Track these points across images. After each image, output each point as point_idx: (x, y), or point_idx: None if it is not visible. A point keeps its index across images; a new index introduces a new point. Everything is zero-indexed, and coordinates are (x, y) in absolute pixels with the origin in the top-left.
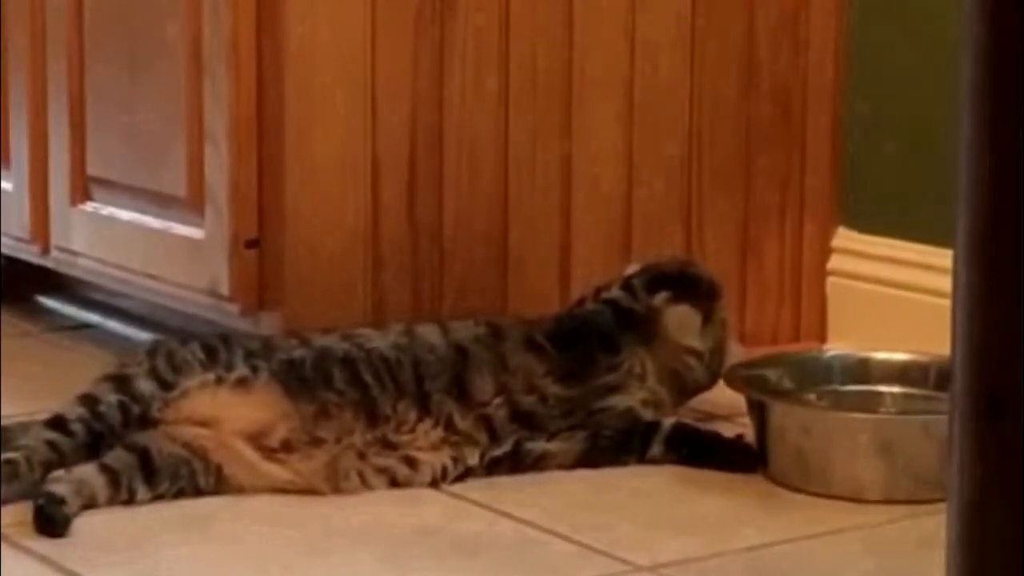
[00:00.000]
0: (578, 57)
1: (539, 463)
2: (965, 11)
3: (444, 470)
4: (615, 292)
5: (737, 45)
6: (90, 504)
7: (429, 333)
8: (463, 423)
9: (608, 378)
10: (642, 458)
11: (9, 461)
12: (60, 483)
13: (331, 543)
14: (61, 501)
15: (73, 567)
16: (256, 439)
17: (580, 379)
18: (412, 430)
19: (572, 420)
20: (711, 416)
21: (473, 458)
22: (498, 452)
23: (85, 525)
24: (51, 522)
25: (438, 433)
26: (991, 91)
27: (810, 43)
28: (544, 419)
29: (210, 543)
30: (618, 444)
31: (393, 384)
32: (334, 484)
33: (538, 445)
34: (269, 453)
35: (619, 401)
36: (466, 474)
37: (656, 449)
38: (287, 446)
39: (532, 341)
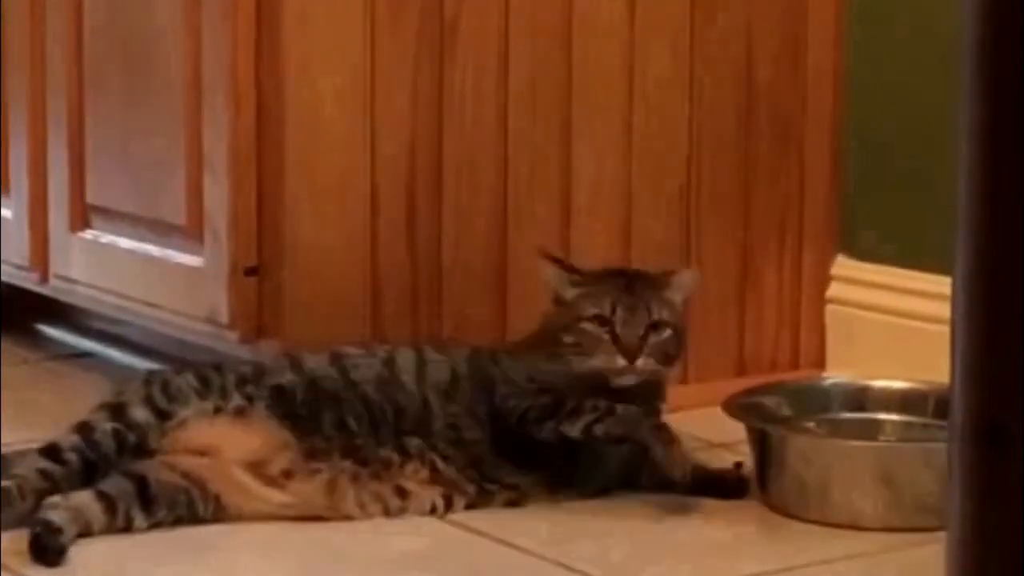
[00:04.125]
0: (577, 88)
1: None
2: (964, 46)
3: (434, 506)
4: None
5: (736, 74)
6: (86, 532)
7: (405, 369)
8: (447, 471)
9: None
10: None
11: (1, 489)
12: (56, 510)
13: (329, 571)
14: (58, 530)
15: None
16: (256, 467)
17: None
18: (400, 468)
19: (574, 489)
20: (711, 444)
21: (459, 506)
22: (490, 504)
23: (84, 554)
24: (47, 551)
25: (425, 473)
26: (991, 124)
27: (808, 72)
28: (523, 485)
29: (209, 572)
30: (617, 475)
31: (374, 432)
32: (333, 504)
33: (542, 493)
34: (269, 481)
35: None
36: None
37: (645, 477)
38: (287, 475)
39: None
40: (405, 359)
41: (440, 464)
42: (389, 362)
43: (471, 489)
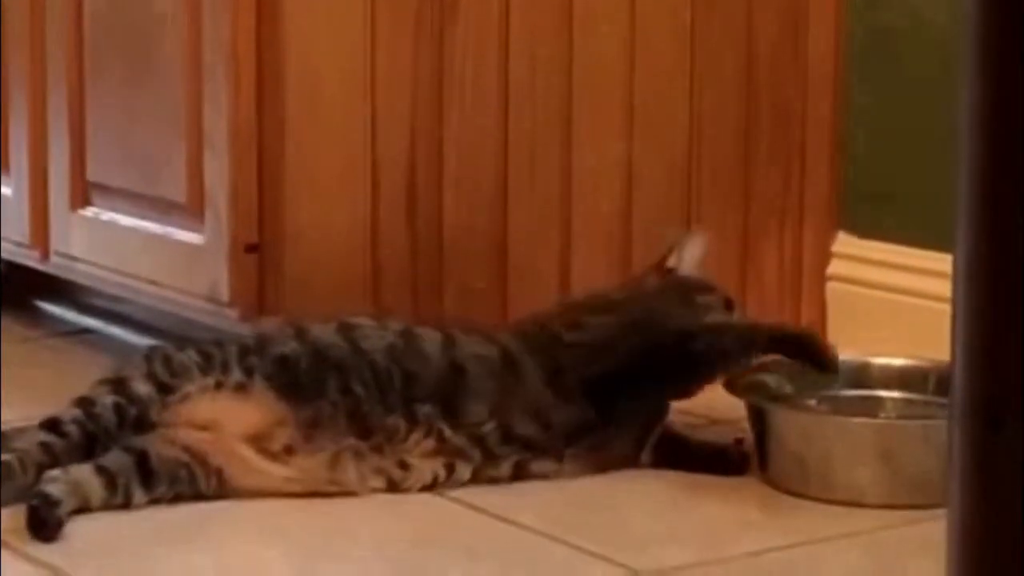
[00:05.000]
0: (578, 67)
1: (546, 479)
2: (966, 29)
3: (436, 478)
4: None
5: (737, 52)
6: (85, 506)
7: (428, 340)
8: (455, 438)
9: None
10: (633, 464)
11: (1, 463)
12: (55, 483)
13: (330, 550)
14: (55, 503)
15: (72, 573)
16: (258, 441)
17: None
18: (404, 440)
19: (579, 444)
20: (713, 421)
21: (465, 473)
22: (495, 473)
23: (86, 530)
24: (45, 524)
25: (430, 444)
26: (992, 101)
27: (809, 50)
28: (545, 443)
29: (210, 550)
30: (619, 459)
31: (382, 399)
32: (335, 478)
33: (546, 466)
34: (271, 455)
35: (623, 434)
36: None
37: (646, 456)
38: (289, 450)
39: (558, 382)
40: (428, 333)
41: (448, 432)
42: (406, 334)
43: (476, 455)
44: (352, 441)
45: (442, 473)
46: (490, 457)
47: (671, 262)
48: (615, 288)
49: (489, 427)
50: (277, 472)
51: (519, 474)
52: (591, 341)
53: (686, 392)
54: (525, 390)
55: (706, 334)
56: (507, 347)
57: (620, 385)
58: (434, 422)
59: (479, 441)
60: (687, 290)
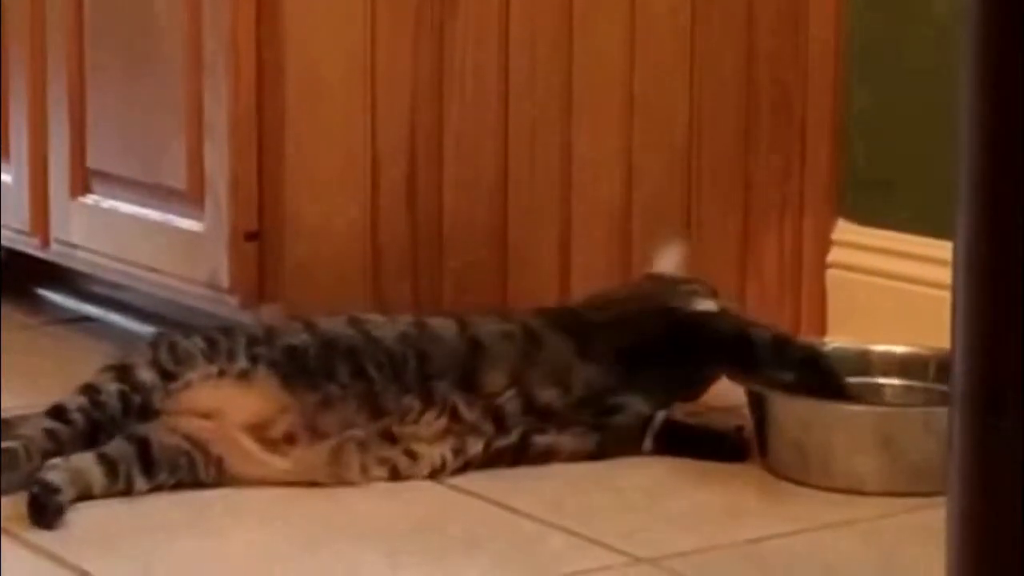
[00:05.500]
0: (579, 54)
1: (545, 456)
2: (966, 28)
3: (444, 462)
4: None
5: (737, 39)
6: (86, 494)
7: (441, 326)
8: (469, 414)
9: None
10: (635, 451)
11: (8, 450)
12: (56, 471)
13: (329, 538)
14: (55, 490)
15: (73, 560)
16: (258, 431)
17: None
18: (415, 421)
19: (585, 414)
20: (712, 408)
21: (476, 448)
22: (504, 442)
23: (86, 517)
24: (46, 511)
25: (442, 423)
26: (992, 84)
27: (809, 36)
28: (559, 411)
29: (210, 537)
30: (622, 438)
31: (396, 379)
32: (335, 472)
33: (546, 438)
34: (271, 445)
35: (636, 402)
36: (467, 466)
37: (648, 443)
38: (290, 439)
39: (587, 349)
40: (440, 321)
41: (462, 408)
42: (418, 324)
43: (488, 428)
44: (358, 430)
45: (449, 457)
46: (502, 429)
47: (655, 268)
48: (614, 289)
49: (507, 396)
50: (277, 464)
51: (524, 445)
52: (619, 319)
53: (692, 386)
54: (547, 358)
55: (740, 326)
56: (527, 323)
57: (646, 359)
58: (449, 399)
59: (494, 412)
60: (671, 282)
